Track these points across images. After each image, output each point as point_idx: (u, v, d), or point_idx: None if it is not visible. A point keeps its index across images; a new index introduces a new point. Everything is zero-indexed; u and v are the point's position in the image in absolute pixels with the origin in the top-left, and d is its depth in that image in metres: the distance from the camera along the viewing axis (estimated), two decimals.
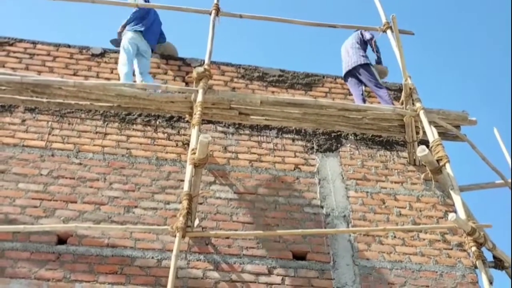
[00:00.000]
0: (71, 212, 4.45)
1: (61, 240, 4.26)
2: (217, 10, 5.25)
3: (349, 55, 6.01)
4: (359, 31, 6.12)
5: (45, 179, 4.61)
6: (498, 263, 4.64)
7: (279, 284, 4.30)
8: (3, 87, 4.73)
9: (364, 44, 6.06)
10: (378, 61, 6.05)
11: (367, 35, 6.06)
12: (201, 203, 4.58)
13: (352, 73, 5.88)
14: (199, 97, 4.39)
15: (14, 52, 5.56)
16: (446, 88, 14.42)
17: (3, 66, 5.39)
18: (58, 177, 4.65)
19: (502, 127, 6.02)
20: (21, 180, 4.57)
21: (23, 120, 4.97)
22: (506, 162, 5.29)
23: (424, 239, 4.79)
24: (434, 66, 14.70)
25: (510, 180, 5.08)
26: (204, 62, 5.01)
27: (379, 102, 5.76)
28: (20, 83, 4.59)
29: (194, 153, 3.88)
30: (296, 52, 14.02)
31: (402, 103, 5.02)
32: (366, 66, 5.84)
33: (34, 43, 5.68)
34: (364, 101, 5.71)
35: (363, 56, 5.89)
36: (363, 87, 5.86)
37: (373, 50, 6.06)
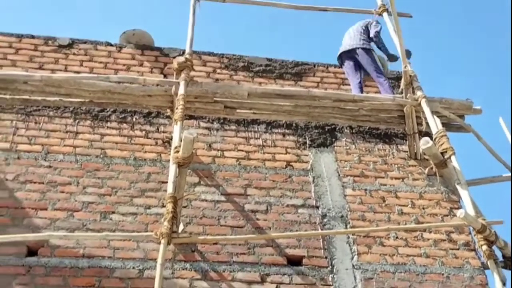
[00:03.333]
0: (42, 220, 4.43)
1: (32, 251, 4.24)
2: None
3: (350, 37, 6.04)
4: (367, 20, 6.09)
5: (11, 185, 4.58)
6: (508, 263, 4.70)
7: None
8: None
9: (368, 32, 6.03)
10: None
11: (373, 31, 5.97)
12: (185, 207, 4.59)
13: (350, 55, 5.91)
14: (181, 90, 4.38)
15: None
16: (447, 76, 14.56)
17: None
18: (26, 182, 4.63)
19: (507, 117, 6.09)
20: None
21: None
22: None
23: (428, 239, 4.84)
24: (432, 53, 14.82)
25: None
26: (184, 52, 4.99)
27: (377, 92, 5.80)
28: None
29: (178, 151, 3.88)
30: (284, 39, 14.01)
31: (401, 92, 5.06)
32: (367, 50, 5.87)
33: None
34: (361, 89, 5.72)
35: (365, 40, 5.91)
36: (362, 74, 5.88)
37: (377, 45, 6.01)
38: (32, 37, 5.69)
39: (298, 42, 13.82)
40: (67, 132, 5.00)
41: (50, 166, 4.75)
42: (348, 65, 5.89)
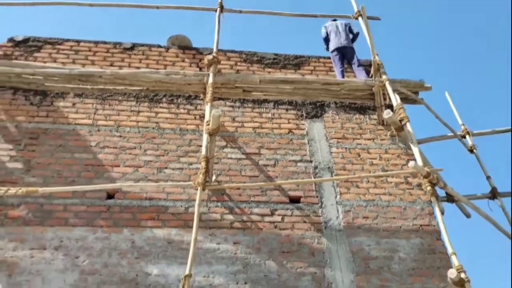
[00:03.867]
0: (116, 174, 4.51)
1: (110, 195, 4.34)
2: (221, 7, 5.17)
3: (341, 35, 5.92)
4: (347, 22, 6.00)
5: (94, 149, 4.65)
6: (449, 198, 4.73)
7: (280, 222, 4.40)
8: (56, 78, 4.75)
9: (351, 33, 6.02)
10: None
11: (355, 30, 6.00)
12: (216, 163, 4.64)
13: (341, 50, 5.82)
14: (210, 80, 4.38)
15: (63, 49, 5.52)
16: (410, 62, 14.26)
17: (55, 61, 5.36)
18: (104, 147, 4.68)
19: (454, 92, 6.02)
20: (76, 151, 4.62)
21: (74, 104, 4.98)
22: (456, 120, 5.31)
23: (391, 182, 4.85)
24: (400, 44, 14.49)
25: (459, 133, 5.10)
26: (213, 51, 4.98)
27: (354, 76, 5.75)
28: (69, 75, 4.59)
29: (208, 124, 3.91)
30: (286, 37, 13.84)
31: (371, 76, 5.01)
32: (352, 48, 5.83)
33: (77, 41, 5.62)
34: (343, 74, 5.69)
35: (350, 40, 5.89)
36: (345, 64, 5.81)
37: (354, 41, 6.00)
38: (105, 42, 5.66)
39: (296, 39, 13.64)
40: (131, 111, 5.01)
41: (120, 136, 4.79)
42: (337, 56, 5.80)
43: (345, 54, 5.82)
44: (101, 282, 3.82)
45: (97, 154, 4.62)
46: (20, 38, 5.50)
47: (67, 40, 5.60)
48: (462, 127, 5.93)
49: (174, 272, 3.93)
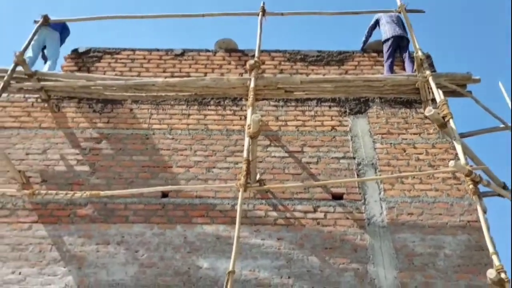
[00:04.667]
0: (169, 174, 4.82)
1: (164, 194, 4.64)
2: (263, 11, 5.29)
3: (397, 25, 5.77)
4: (397, 15, 5.81)
5: (149, 152, 4.99)
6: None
7: (322, 218, 4.52)
8: (114, 88, 5.14)
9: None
10: None
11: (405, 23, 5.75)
12: (260, 162, 4.81)
13: (397, 39, 5.67)
14: (252, 84, 4.54)
15: (120, 58, 5.90)
16: (458, 54, 13.52)
17: (114, 70, 5.79)
18: (159, 149, 5.00)
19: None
20: (134, 153, 4.99)
21: (131, 110, 5.35)
22: (508, 110, 5.09)
23: (437, 177, 4.78)
24: (452, 34, 13.77)
25: (510, 125, 4.90)
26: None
27: (402, 68, 5.66)
28: (125, 85, 4.99)
29: (250, 128, 4.09)
30: (328, 35, 13.70)
31: (415, 71, 4.94)
32: (408, 41, 5.65)
33: (133, 50, 5.98)
34: (392, 67, 5.57)
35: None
36: (395, 57, 5.69)
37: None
38: (158, 50, 5.94)
39: (339, 36, 13.43)
40: (182, 114, 5.27)
41: (173, 138, 5.08)
42: (391, 46, 5.66)
43: (400, 45, 5.69)
44: (158, 274, 4.20)
45: (153, 156, 4.97)
46: (82, 50, 6.01)
47: (124, 50, 5.99)
48: None
49: (223, 265, 4.20)
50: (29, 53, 5.44)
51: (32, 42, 5.34)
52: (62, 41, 6.04)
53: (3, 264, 4.24)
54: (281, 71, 5.70)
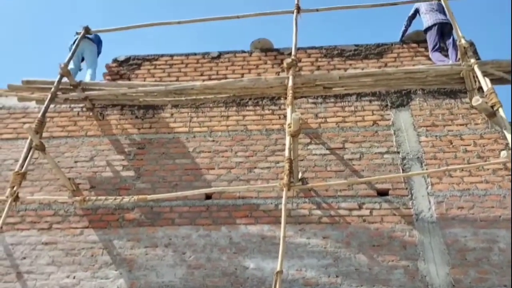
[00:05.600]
0: (212, 176, 4.87)
1: (208, 196, 4.69)
2: (298, 8, 5.24)
3: (439, 12, 5.61)
4: (439, 2, 5.55)
5: (191, 155, 5.06)
6: None
7: (368, 215, 4.45)
8: (155, 93, 5.25)
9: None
10: None
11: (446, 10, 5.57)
12: (302, 160, 4.78)
13: (440, 26, 5.50)
14: (290, 83, 4.52)
15: (159, 64, 6.00)
16: (502, 41, 12.88)
17: (153, 76, 5.92)
18: (200, 152, 5.06)
19: None
20: (176, 157, 5.07)
21: (172, 114, 5.44)
22: None
23: (488, 169, 4.61)
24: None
25: None
26: (291, 52, 5.09)
27: (446, 55, 5.47)
28: (165, 90, 5.09)
29: (290, 127, 4.08)
30: (365, 28, 13.40)
31: (459, 59, 4.76)
32: (452, 28, 5.40)
33: (171, 55, 6.07)
34: (440, 53, 5.39)
35: None
36: (441, 43, 5.51)
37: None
38: (195, 54, 5.99)
39: (376, 28, 13.11)
40: (221, 116, 5.31)
41: (213, 140, 5.14)
42: (435, 32, 5.48)
43: (443, 31, 5.50)
44: (205, 275, 4.26)
45: (195, 158, 5.04)
46: (122, 58, 6.18)
47: (162, 56, 6.11)
48: None
49: (269, 265, 4.22)
50: (70, 65, 5.65)
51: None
52: (98, 52, 6.26)
53: (58, 269, 4.43)
54: (318, 68, 5.64)
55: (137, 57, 6.15)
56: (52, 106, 5.32)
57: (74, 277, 4.36)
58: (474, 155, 4.73)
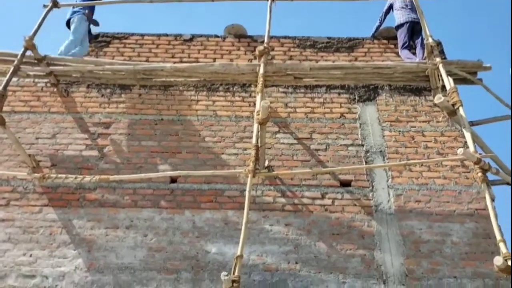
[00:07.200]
0: (178, 160, 4.85)
1: (173, 180, 4.69)
2: None
3: (411, 11, 5.70)
4: (412, 0, 5.68)
5: (158, 138, 5.00)
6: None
7: (330, 205, 4.56)
8: (123, 73, 5.14)
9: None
10: None
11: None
12: (269, 148, 4.83)
13: (412, 25, 5.62)
14: (261, 70, 4.53)
15: (129, 43, 5.88)
16: (469, 42, 13.37)
17: (122, 55, 5.78)
18: (167, 135, 5.02)
19: None
20: (142, 139, 5.01)
21: (140, 95, 5.35)
22: None
23: (446, 165, 4.80)
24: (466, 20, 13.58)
25: None
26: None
27: (414, 53, 5.62)
28: (133, 70, 5.00)
29: (258, 114, 4.11)
30: (338, 21, 13.58)
31: (425, 58, 4.92)
32: (421, 27, 5.59)
33: (142, 35, 5.94)
34: (409, 50, 5.53)
35: None
36: (409, 42, 5.65)
37: None
38: (166, 35, 5.91)
39: (347, 22, 13.31)
40: (191, 100, 5.26)
41: (181, 124, 5.10)
42: (405, 30, 5.61)
43: (414, 30, 5.64)
44: (166, 258, 4.27)
45: (161, 141, 5.00)
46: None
47: (132, 34, 5.97)
48: None
49: (231, 250, 4.27)
50: (76, 47, 5.48)
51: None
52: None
53: (14, 246, 4.33)
54: (291, 58, 5.68)
55: (107, 34, 6.00)
56: (15, 79, 5.14)
57: (30, 255, 4.28)
58: (434, 152, 4.91)
